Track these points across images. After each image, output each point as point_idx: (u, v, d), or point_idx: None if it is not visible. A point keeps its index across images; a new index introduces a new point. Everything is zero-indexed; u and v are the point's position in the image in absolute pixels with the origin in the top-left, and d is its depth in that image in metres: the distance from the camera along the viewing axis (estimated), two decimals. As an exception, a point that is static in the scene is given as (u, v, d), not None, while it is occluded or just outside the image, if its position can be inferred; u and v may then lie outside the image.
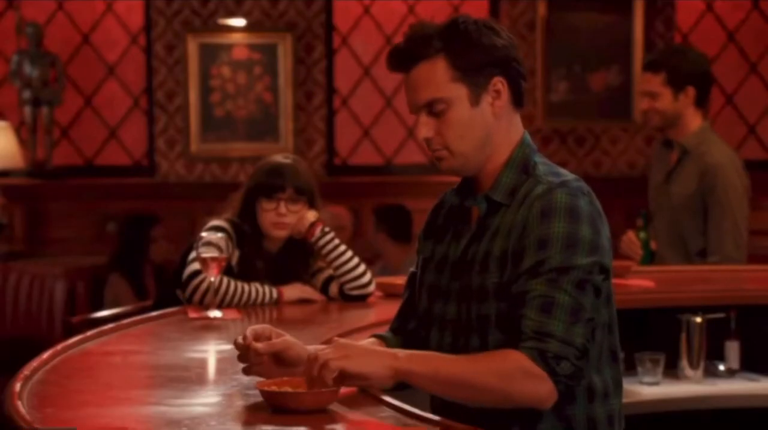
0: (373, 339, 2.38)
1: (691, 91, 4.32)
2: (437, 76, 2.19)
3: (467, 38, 2.19)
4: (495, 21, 2.27)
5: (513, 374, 2.05)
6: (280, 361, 2.21)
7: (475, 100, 2.20)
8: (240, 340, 2.21)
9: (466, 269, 2.21)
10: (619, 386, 2.27)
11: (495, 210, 2.22)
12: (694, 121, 4.37)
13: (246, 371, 2.24)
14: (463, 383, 2.06)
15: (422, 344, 2.33)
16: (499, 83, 2.21)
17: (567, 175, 2.21)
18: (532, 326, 2.07)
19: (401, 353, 2.09)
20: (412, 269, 2.41)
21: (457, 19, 2.23)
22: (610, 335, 2.23)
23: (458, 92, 2.19)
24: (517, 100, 2.25)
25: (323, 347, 2.10)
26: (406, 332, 2.37)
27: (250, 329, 2.22)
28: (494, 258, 2.17)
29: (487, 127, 2.21)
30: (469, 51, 2.19)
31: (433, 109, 2.20)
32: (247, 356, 2.21)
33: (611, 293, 2.22)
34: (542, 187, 2.16)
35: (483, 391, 2.06)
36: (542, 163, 2.24)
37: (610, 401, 2.24)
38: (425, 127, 2.22)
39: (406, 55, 2.22)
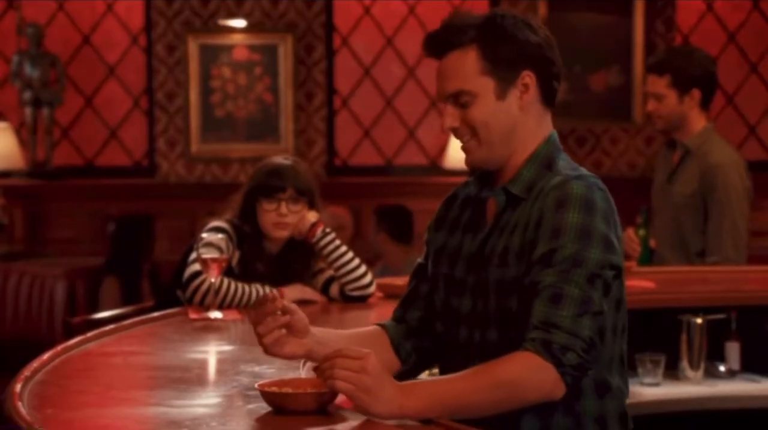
0: (374, 327, 2.40)
1: (696, 93, 4.30)
2: (466, 67, 2.20)
3: (502, 31, 2.21)
4: (534, 18, 2.28)
5: (520, 376, 2.05)
6: (292, 328, 2.20)
7: (501, 94, 2.21)
8: (265, 301, 2.19)
9: (484, 263, 2.22)
10: (627, 388, 2.28)
11: (513, 204, 2.22)
12: (698, 122, 4.36)
13: (261, 336, 2.21)
14: (472, 405, 2.04)
15: (432, 338, 2.34)
16: (527, 77, 2.22)
17: (584, 171, 2.23)
18: (539, 317, 2.07)
19: (408, 396, 2.01)
20: (419, 260, 2.41)
21: (496, 12, 2.25)
22: (621, 341, 2.24)
23: (485, 86, 2.20)
24: (548, 98, 2.27)
25: (351, 354, 2.01)
26: (407, 321, 2.38)
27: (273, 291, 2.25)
28: (513, 253, 2.17)
29: (512, 119, 2.23)
30: (502, 43, 2.20)
31: (459, 100, 2.22)
32: (268, 318, 2.19)
33: (623, 298, 2.23)
34: (558, 179, 2.17)
35: (493, 404, 2.05)
36: (564, 160, 2.25)
37: (622, 400, 2.25)
38: (450, 118, 2.24)
39: (440, 42, 2.24)
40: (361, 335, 2.37)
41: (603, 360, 2.19)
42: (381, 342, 2.35)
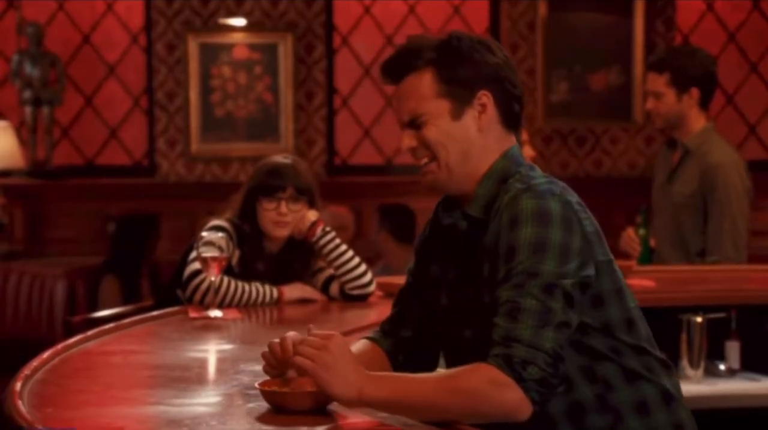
0: (365, 341, 2.38)
1: (695, 92, 4.30)
2: (421, 90, 2.18)
3: (458, 52, 2.19)
4: (494, 40, 2.26)
5: (479, 388, 1.99)
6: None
7: (457, 114, 2.18)
8: (278, 350, 2.18)
9: (470, 293, 2.19)
10: (666, 366, 2.22)
11: (478, 226, 2.19)
12: (697, 121, 4.36)
13: (265, 365, 2.22)
14: (430, 407, 2.01)
15: (424, 353, 2.33)
16: (484, 97, 2.18)
17: (537, 178, 2.16)
18: (500, 333, 2.02)
19: (370, 384, 2.01)
20: (409, 279, 2.40)
21: (453, 33, 2.23)
22: (629, 334, 2.19)
23: (439, 107, 2.18)
24: (509, 120, 2.22)
25: (318, 336, 2.04)
26: (400, 336, 2.36)
27: (289, 339, 2.18)
28: (483, 279, 2.15)
29: (469, 140, 2.19)
30: (458, 64, 2.18)
31: (415, 122, 2.20)
32: (278, 367, 2.19)
33: (622, 286, 2.19)
34: (508, 196, 2.13)
35: (451, 412, 2.01)
36: (524, 171, 2.19)
37: (661, 379, 2.19)
38: (408, 138, 2.22)
39: (397, 66, 2.22)
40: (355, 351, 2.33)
41: (626, 351, 2.16)
42: (374, 353, 2.34)
